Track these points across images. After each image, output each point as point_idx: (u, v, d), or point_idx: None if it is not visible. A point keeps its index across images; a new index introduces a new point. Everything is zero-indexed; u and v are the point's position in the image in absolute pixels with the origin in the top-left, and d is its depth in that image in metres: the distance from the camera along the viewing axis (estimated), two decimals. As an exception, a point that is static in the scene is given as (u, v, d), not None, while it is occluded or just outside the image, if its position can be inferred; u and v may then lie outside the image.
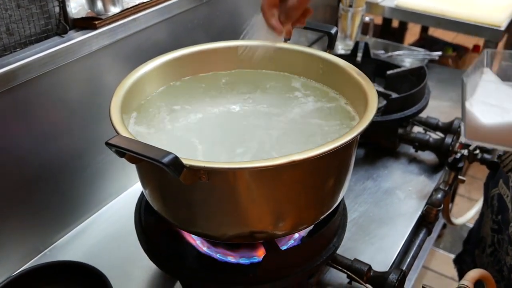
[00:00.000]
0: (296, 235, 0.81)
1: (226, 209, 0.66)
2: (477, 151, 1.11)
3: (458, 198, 2.17)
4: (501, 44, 1.70)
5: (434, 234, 1.80)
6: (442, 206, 1.00)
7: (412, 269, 0.96)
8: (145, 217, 0.79)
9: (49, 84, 0.81)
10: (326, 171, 0.68)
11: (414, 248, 0.96)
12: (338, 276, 0.84)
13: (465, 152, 1.09)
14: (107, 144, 0.58)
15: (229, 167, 0.60)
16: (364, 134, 0.65)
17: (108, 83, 0.92)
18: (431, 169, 1.12)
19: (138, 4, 0.92)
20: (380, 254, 0.90)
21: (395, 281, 0.76)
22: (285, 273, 0.73)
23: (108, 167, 0.98)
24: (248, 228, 0.68)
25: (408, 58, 1.51)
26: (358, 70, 0.79)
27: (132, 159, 0.61)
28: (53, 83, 0.82)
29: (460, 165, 1.07)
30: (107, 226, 0.96)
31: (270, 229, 0.69)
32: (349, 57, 1.27)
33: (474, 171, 2.25)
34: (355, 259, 0.80)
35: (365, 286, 0.79)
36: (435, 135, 1.14)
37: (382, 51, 1.54)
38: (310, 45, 1.60)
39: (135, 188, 1.05)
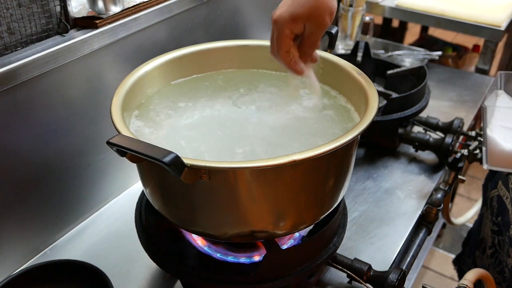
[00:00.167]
0: (297, 235, 0.81)
1: (227, 209, 0.66)
2: (477, 151, 1.12)
3: (458, 198, 2.18)
4: (501, 44, 1.70)
5: (434, 234, 1.80)
6: (442, 205, 1.00)
7: (412, 268, 0.96)
8: (145, 216, 0.79)
9: (50, 83, 0.81)
10: (327, 170, 0.68)
11: (414, 248, 0.96)
12: (338, 275, 0.84)
13: (465, 152, 1.09)
14: (108, 143, 0.58)
15: (229, 167, 0.60)
16: (364, 133, 0.65)
17: (109, 82, 0.92)
18: (431, 169, 1.12)
19: (139, 4, 0.93)
20: (380, 254, 0.90)
21: (395, 280, 0.76)
22: (285, 272, 0.73)
23: (108, 166, 0.98)
24: (249, 227, 0.68)
25: (408, 58, 1.52)
26: (359, 69, 0.79)
27: (133, 159, 0.61)
28: (54, 82, 0.82)
29: (460, 165, 1.07)
30: (108, 225, 0.96)
31: (271, 228, 0.69)
32: (349, 57, 1.26)
33: (474, 171, 2.25)
34: (355, 259, 0.81)
35: (365, 286, 0.79)
36: (435, 135, 1.14)
37: (382, 51, 1.54)
38: (310, 45, 1.59)
39: (135, 187, 1.05)
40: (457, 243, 1.97)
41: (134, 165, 0.71)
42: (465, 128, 1.20)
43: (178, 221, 0.72)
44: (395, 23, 2.14)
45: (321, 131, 0.75)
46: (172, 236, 0.79)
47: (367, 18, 1.53)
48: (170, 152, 0.55)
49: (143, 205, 0.81)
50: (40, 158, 0.84)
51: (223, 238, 0.71)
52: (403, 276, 0.78)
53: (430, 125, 1.16)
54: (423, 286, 0.82)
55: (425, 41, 2.18)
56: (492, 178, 1.09)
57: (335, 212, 0.78)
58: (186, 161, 0.57)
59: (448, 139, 1.09)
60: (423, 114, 1.17)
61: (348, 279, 0.82)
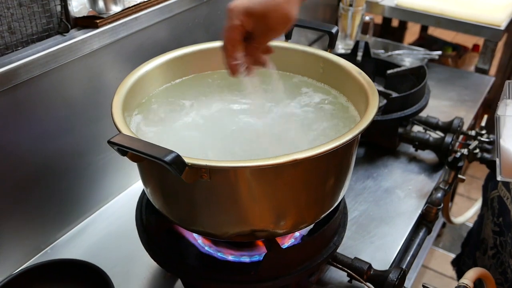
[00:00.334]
0: (297, 234, 0.81)
1: (227, 208, 0.66)
2: (477, 151, 1.12)
3: (458, 197, 2.18)
4: (500, 44, 1.70)
5: (434, 233, 1.80)
6: (442, 205, 1.00)
7: (411, 268, 0.96)
8: (146, 215, 0.79)
9: (50, 82, 0.82)
10: (327, 170, 0.68)
11: (414, 247, 0.96)
12: (339, 274, 0.84)
13: (465, 151, 1.09)
14: (109, 142, 0.58)
15: (230, 166, 0.60)
16: (364, 133, 0.65)
17: (110, 82, 0.92)
18: (431, 168, 1.12)
19: (139, 3, 0.93)
20: (380, 253, 0.90)
21: (395, 279, 0.77)
22: (285, 271, 0.73)
23: (109, 166, 0.98)
24: (249, 226, 0.68)
25: (408, 57, 1.52)
26: (359, 69, 0.79)
27: (134, 158, 0.62)
28: (55, 82, 0.82)
29: (460, 164, 1.07)
30: (108, 225, 0.96)
31: (271, 227, 0.69)
32: (349, 57, 1.27)
33: (474, 170, 2.25)
34: (356, 258, 0.81)
35: (365, 285, 0.79)
36: (435, 134, 1.14)
37: (382, 51, 1.55)
38: (310, 45, 1.60)
39: (136, 187, 1.05)
40: (457, 242, 1.97)
41: (135, 165, 0.71)
42: (464, 128, 1.20)
43: (178, 220, 0.72)
44: (395, 23, 2.14)
45: (322, 130, 0.75)
46: (172, 235, 0.79)
47: (367, 18, 1.53)
48: (171, 151, 0.55)
49: (143, 205, 0.82)
50: (40, 157, 0.84)
51: (223, 237, 0.71)
52: (403, 275, 0.78)
53: (430, 125, 1.16)
54: (423, 285, 0.82)
55: (425, 41, 2.18)
56: (492, 179, 1.09)
57: (335, 211, 0.78)
58: (187, 160, 0.57)
59: (448, 139, 1.09)
60: (423, 114, 1.17)
61: (348, 278, 0.82)
